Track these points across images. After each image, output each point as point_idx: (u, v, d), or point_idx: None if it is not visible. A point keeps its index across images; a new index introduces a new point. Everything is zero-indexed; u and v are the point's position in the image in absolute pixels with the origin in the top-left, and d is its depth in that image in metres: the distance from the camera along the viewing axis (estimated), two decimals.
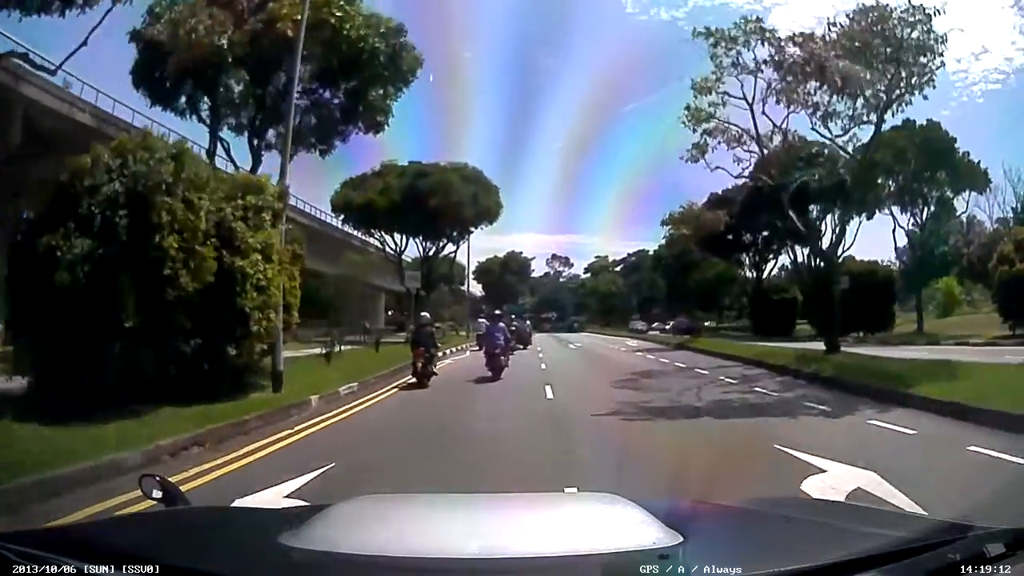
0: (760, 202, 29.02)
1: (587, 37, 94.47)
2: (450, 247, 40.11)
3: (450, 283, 56.42)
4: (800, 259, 37.72)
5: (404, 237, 38.29)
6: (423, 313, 15.72)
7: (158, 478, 1.91)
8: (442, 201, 34.14)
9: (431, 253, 38.77)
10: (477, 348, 28.92)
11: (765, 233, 39.40)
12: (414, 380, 13.59)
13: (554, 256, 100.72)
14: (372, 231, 38.04)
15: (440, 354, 17.47)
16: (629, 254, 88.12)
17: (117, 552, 1.34)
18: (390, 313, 60.00)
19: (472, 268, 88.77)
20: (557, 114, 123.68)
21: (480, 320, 37.49)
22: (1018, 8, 50.36)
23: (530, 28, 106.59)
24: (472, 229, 39.10)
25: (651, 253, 73.35)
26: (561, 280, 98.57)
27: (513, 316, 42.66)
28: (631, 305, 79.69)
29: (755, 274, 45.39)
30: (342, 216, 37.36)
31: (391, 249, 38.14)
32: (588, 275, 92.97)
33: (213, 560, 1.40)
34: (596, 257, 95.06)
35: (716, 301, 62.20)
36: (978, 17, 48.21)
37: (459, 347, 30.33)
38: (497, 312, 18.04)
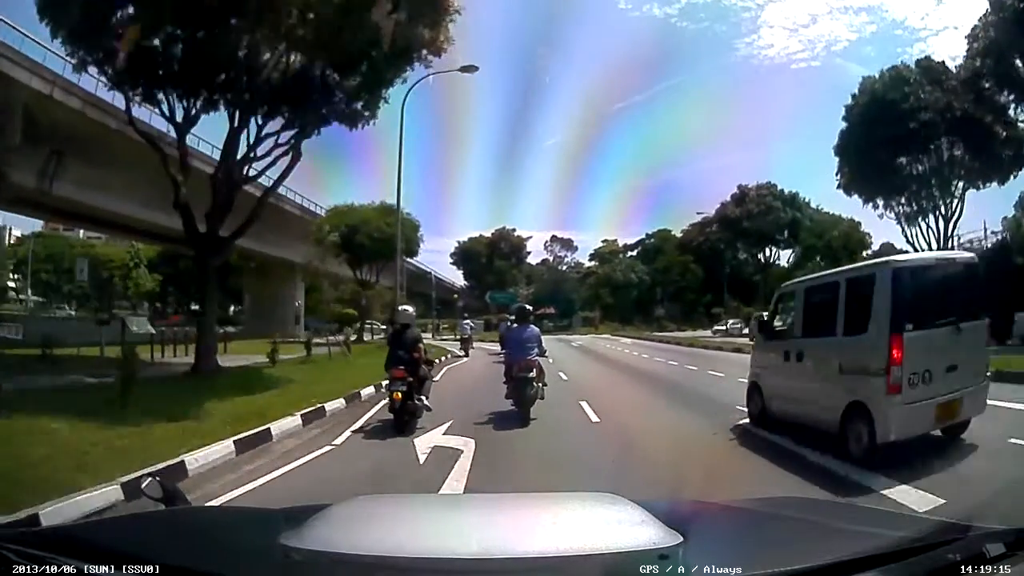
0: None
1: (581, 33, 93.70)
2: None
3: (377, 252, 32.86)
4: None
5: (194, 93, 14.23)
6: (404, 307, 10.01)
7: (158, 478, 1.90)
8: None
9: (263, 130, 15.10)
10: (463, 354, 24.26)
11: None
12: (390, 417, 8.57)
13: (554, 238, 79.18)
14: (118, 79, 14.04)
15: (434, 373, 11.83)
16: (647, 235, 71.66)
17: (117, 552, 1.34)
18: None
19: (451, 250, 71.80)
20: (550, 110, 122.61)
21: (464, 322, 30.37)
22: None
23: (525, 24, 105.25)
24: (387, 78, 14.72)
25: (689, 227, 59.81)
26: (563, 268, 78.32)
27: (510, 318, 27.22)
28: (655, 297, 63.73)
29: (939, 231, 27.64)
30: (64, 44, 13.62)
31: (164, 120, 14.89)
32: (594, 263, 74.49)
33: (213, 560, 1.41)
34: (604, 241, 76.22)
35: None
36: None
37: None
38: (528, 307, 11.12)
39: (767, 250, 50.55)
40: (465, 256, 72.21)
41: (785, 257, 50.88)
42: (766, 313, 8.57)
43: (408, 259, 39.04)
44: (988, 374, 6.65)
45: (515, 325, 10.40)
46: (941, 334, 6.06)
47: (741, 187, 51.32)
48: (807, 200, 47.69)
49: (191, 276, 52.34)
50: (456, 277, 75.46)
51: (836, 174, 29.87)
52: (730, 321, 40.80)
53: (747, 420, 8.38)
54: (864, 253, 41.95)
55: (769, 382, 8.09)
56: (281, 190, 34.90)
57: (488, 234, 72.48)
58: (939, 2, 72.99)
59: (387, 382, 9.03)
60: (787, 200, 49.50)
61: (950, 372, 6.01)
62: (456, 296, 66.02)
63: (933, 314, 6.12)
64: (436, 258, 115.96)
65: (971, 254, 7.51)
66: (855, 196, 29.93)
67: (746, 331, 32.23)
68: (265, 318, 34.33)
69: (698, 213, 56.77)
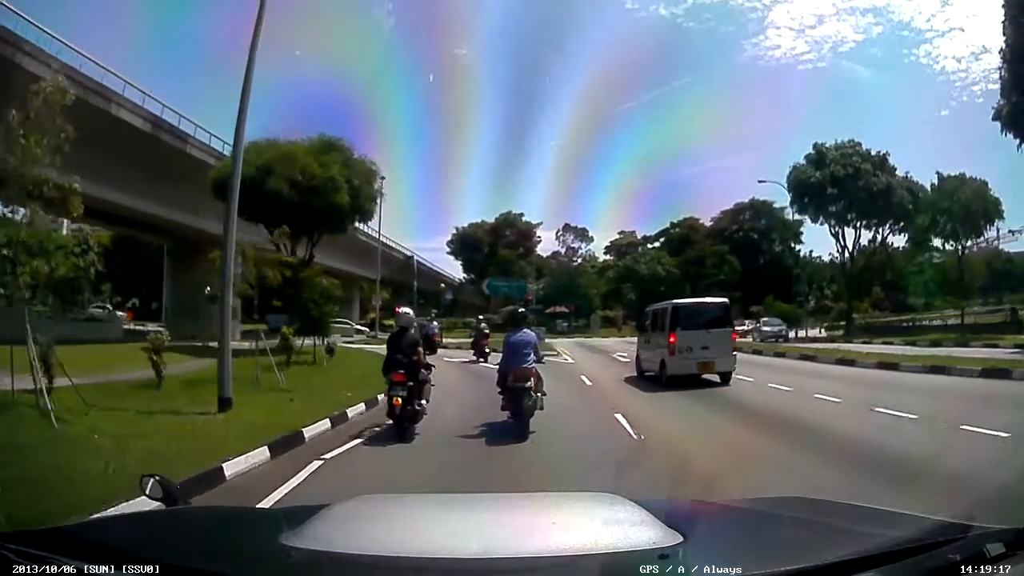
0: None
1: (586, 33, 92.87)
2: None
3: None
4: None
5: None
6: (404, 309, 9.71)
7: (158, 478, 1.90)
8: None
9: None
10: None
11: None
12: (390, 423, 8.46)
13: (566, 227, 66.81)
14: None
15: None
16: (672, 223, 61.64)
17: (117, 552, 1.34)
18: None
19: (448, 237, 61.92)
20: (555, 111, 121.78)
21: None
22: None
23: (529, 24, 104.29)
24: None
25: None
26: (576, 261, 66.97)
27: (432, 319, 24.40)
28: (686, 294, 50.72)
29: None
30: None
31: None
32: (610, 256, 65.72)
33: (213, 560, 1.41)
34: (620, 232, 65.93)
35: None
36: None
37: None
38: (521, 310, 10.67)
39: (846, 229, 38.69)
40: (464, 244, 60.49)
41: (866, 239, 39.27)
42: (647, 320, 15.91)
43: (362, 226, 28.72)
44: (734, 353, 13.98)
45: (512, 327, 9.82)
46: (698, 332, 13.38)
47: (817, 146, 38.57)
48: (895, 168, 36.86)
49: (146, 265, 40.71)
50: (455, 270, 65.65)
51: (1001, 96, 20.23)
52: (762, 320, 33.50)
53: (635, 374, 15.94)
54: (996, 223, 33.76)
55: (640, 354, 15.94)
56: (187, 127, 25.38)
57: (491, 220, 61.21)
58: (944, 4, 71.92)
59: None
60: (877, 163, 37.50)
61: (704, 349, 13.32)
62: (443, 286, 57.99)
63: (694, 324, 13.53)
64: (438, 256, 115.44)
65: (724, 299, 15.66)
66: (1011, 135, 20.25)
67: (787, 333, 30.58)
68: (193, 314, 25.19)
69: (760, 181, 49.30)
